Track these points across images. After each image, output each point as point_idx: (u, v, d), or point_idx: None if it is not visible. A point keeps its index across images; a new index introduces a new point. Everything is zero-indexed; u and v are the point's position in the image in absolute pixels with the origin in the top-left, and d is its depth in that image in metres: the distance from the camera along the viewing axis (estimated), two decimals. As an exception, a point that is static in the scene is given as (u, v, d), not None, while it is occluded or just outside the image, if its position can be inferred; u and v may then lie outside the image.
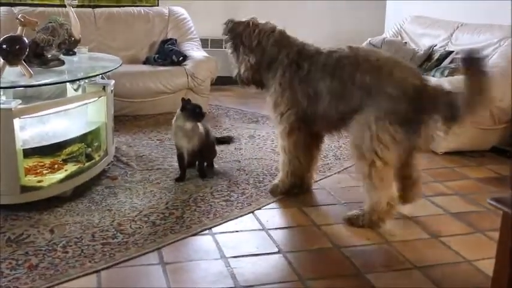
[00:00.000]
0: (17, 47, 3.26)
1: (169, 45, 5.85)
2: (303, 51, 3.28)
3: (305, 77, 3.21)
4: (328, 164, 4.15)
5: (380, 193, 3.04)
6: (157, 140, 4.67)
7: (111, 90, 3.88)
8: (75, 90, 3.92)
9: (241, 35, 3.39)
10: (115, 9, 6.10)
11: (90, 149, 3.75)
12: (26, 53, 3.30)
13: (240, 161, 4.17)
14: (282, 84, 3.28)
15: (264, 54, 3.36)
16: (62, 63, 3.76)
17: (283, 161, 3.48)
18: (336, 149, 4.52)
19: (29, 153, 3.43)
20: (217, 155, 4.10)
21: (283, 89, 3.28)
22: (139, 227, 3.03)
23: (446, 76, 4.69)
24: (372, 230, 3.09)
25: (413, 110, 2.88)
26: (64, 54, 3.96)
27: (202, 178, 3.77)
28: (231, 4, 6.63)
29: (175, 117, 3.72)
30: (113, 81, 3.95)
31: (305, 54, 3.26)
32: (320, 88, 3.14)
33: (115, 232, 2.96)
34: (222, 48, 6.75)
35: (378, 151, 2.93)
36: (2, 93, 3.14)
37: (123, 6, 6.30)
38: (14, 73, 3.35)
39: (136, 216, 3.17)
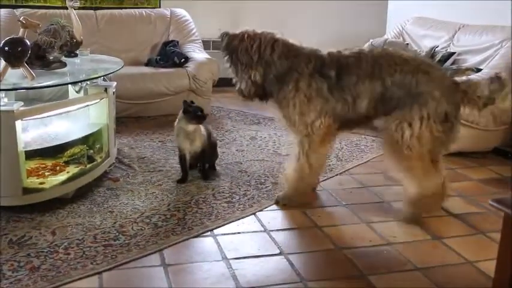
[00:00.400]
0: (19, 49, 3.26)
1: (171, 47, 5.85)
2: (324, 59, 3.21)
3: (336, 84, 3.15)
4: (330, 165, 4.14)
5: (422, 184, 3.12)
6: (159, 141, 4.68)
7: (113, 92, 3.88)
8: (77, 92, 3.93)
9: (237, 50, 3.27)
10: (117, 11, 6.10)
11: (91, 151, 3.75)
12: (28, 55, 3.31)
13: (241, 163, 4.17)
14: (307, 95, 3.18)
15: (269, 69, 3.25)
16: (64, 65, 3.77)
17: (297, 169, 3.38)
18: (337, 150, 4.51)
19: (31, 155, 3.44)
20: (219, 156, 4.10)
21: (309, 99, 3.18)
22: (141, 229, 3.03)
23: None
24: (374, 231, 3.11)
25: (452, 108, 3.06)
26: (66, 56, 3.96)
27: (205, 180, 3.77)
28: (234, 6, 6.64)
29: (177, 119, 3.73)
30: (114, 83, 3.95)
31: (328, 61, 3.20)
32: (359, 91, 3.12)
33: (117, 234, 2.96)
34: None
35: (417, 147, 3.03)
36: (4, 95, 3.14)
37: (125, 8, 6.30)
38: (16, 75, 3.35)
39: (138, 217, 3.17)
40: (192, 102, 3.74)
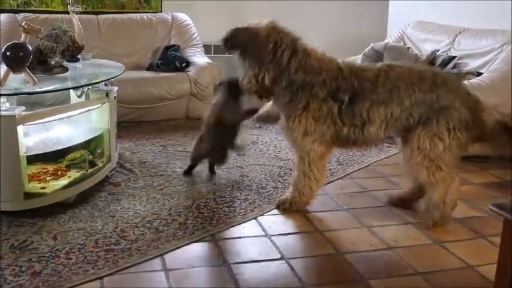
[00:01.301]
0: (21, 54, 3.27)
1: (172, 52, 5.86)
2: (340, 82, 3.11)
3: (347, 108, 3.11)
4: (331, 169, 4.14)
5: (448, 189, 3.16)
6: (161, 146, 4.68)
7: (115, 97, 3.89)
8: (79, 96, 3.94)
9: (247, 44, 3.15)
10: (118, 16, 6.11)
11: (91, 156, 3.74)
12: (30, 60, 3.32)
13: (242, 167, 4.17)
14: (315, 117, 3.14)
15: (281, 76, 3.13)
16: (66, 70, 3.77)
17: (299, 180, 3.37)
18: (338, 154, 4.52)
19: (32, 160, 3.44)
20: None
21: (316, 120, 3.14)
22: (142, 234, 3.03)
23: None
24: (375, 235, 3.12)
25: (470, 113, 3.09)
26: (67, 61, 3.97)
27: (212, 174, 3.81)
28: (235, 10, 6.65)
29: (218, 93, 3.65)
30: (116, 88, 3.96)
31: (343, 85, 3.11)
32: (372, 116, 3.11)
33: (118, 238, 2.97)
34: (225, 54, 6.76)
35: (449, 158, 3.09)
36: (5, 100, 3.15)
37: (127, 12, 6.31)
38: (17, 80, 3.36)
39: (139, 222, 3.17)
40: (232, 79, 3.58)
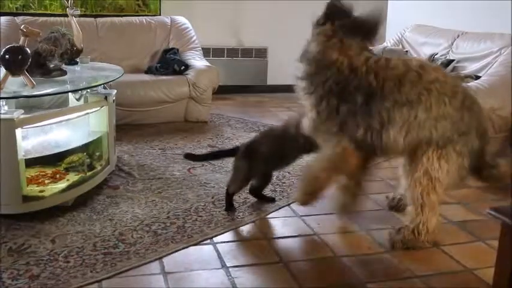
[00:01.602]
0: (20, 57, 3.27)
1: (171, 55, 5.87)
2: (348, 80, 2.83)
3: (364, 107, 2.80)
4: (329, 172, 4.14)
5: (430, 217, 2.95)
6: (159, 149, 4.68)
7: (113, 100, 3.89)
8: (77, 100, 3.94)
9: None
10: (117, 19, 6.12)
11: (90, 159, 3.74)
12: (29, 63, 3.32)
13: (241, 170, 4.16)
14: (320, 113, 2.91)
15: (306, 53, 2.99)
16: (64, 73, 3.78)
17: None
18: (337, 157, 4.51)
19: (31, 163, 3.44)
20: (219, 163, 4.09)
21: (322, 119, 2.92)
22: (141, 237, 3.03)
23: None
24: (373, 238, 3.11)
25: (485, 142, 2.97)
26: (66, 64, 3.98)
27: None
28: (234, 13, 6.66)
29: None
30: (114, 91, 3.97)
31: (355, 82, 2.82)
32: (392, 117, 2.78)
33: (116, 242, 2.96)
34: (224, 57, 6.78)
35: (446, 183, 2.90)
36: (4, 103, 3.15)
37: (125, 15, 6.33)
38: (16, 83, 3.36)
39: (137, 225, 3.17)
40: None
